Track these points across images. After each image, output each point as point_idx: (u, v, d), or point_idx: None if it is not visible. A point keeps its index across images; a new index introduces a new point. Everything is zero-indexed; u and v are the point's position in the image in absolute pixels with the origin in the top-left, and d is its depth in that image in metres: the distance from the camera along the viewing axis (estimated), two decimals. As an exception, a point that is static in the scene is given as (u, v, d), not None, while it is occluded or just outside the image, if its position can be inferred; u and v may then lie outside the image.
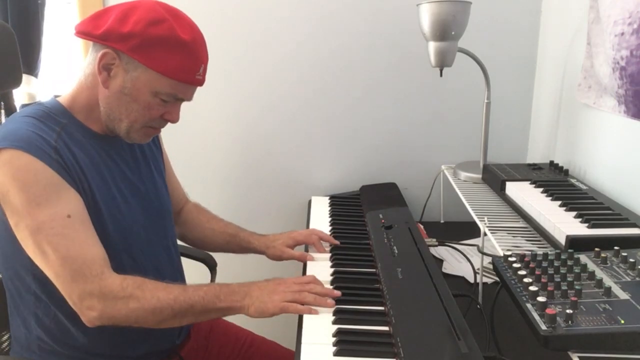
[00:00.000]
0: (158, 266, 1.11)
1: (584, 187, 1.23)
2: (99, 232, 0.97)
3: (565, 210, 1.08)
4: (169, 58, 0.97)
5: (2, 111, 1.23)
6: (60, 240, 0.90)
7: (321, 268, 1.21)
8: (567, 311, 0.73)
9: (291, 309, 0.97)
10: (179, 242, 1.29)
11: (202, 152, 1.80)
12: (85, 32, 0.99)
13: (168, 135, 1.23)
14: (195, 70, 1.00)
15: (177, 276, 1.20)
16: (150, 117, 1.02)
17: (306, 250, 1.31)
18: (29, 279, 0.98)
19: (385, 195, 1.67)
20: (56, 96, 1.06)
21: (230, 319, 1.31)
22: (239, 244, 1.31)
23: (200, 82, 1.04)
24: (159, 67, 0.97)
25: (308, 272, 1.18)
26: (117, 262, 0.98)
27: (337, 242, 1.30)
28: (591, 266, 0.87)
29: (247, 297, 0.98)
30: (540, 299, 0.77)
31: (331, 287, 1.07)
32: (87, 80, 1.02)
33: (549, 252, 0.92)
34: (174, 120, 1.06)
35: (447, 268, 1.37)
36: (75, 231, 0.92)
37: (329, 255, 1.26)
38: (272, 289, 1.00)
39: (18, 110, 1.30)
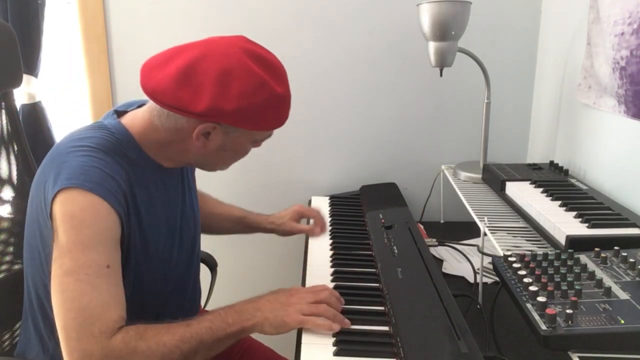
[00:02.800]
0: (181, 289, 1.12)
1: (584, 187, 1.23)
2: (141, 257, 0.95)
3: (565, 210, 1.08)
4: (269, 115, 0.95)
5: (3, 111, 1.22)
6: (87, 288, 0.83)
7: (322, 268, 1.21)
8: (567, 311, 0.73)
9: (310, 323, 0.91)
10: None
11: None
12: (181, 108, 0.90)
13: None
14: (288, 114, 1.00)
15: (196, 294, 1.21)
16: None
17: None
18: None
19: (385, 195, 1.67)
20: (117, 113, 1.00)
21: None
22: (247, 225, 1.35)
23: None
24: (259, 126, 0.95)
25: (308, 276, 1.19)
26: (151, 283, 0.99)
27: (324, 222, 1.31)
28: (591, 266, 0.87)
29: (258, 313, 0.90)
30: (540, 299, 0.77)
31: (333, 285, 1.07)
32: (165, 129, 0.95)
33: (549, 252, 0.92)
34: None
35: (447, 268, 1.37)
36: (107, 284, 0.86)
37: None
38: (285, 301, 0.93)
39: (18, 109, 1.29)
